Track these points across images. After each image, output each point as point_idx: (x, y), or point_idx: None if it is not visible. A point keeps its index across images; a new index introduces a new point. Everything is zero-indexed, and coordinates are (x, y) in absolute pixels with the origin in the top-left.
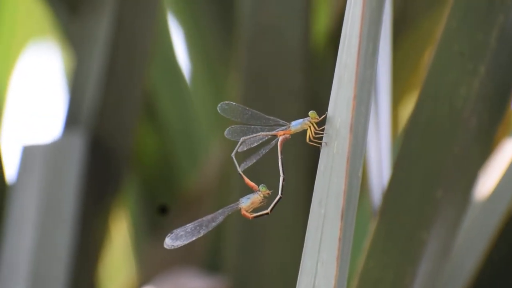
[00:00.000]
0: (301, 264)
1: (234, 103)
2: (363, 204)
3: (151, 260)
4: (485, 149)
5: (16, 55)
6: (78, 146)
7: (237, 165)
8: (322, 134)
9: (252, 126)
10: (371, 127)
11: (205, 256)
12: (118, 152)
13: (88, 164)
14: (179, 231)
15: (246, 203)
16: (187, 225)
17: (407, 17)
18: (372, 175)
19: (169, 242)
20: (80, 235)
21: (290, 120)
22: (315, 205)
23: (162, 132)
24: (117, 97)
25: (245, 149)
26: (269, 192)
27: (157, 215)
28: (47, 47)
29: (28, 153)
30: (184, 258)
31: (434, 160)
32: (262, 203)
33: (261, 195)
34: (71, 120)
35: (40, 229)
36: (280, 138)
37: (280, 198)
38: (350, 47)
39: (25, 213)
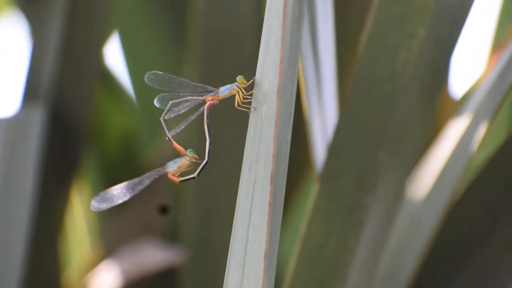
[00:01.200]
0: (233, 230)
1: (161, 73)
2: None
3: (112, 234)
4: (427, 114)
5: None
6: (37, 120)
7: (165, 130)
8: (251, 99)
9: (181, 94)
10: (315, 92)
11: (165, 228)
12: (76, 125)
13: (48, 138)
14: (105, 193)
15: (173, 168)
16: (113, 187)
17: None
18: (315, 140)
19: (95, 204)
20: (39, 209)
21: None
22: (245, 170)
23: (123, 107)
24: (75, 69)
25: (172, 116)
26: (196, 156)
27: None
28: (7, 20)
29: None
30: (144, 230)
31: (376, 124)
32: (190, 167)
33: (188, 159)
34: (30, 94)
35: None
36: (207, 104)
37: (207, 162)
38: (276, 10)
39: None
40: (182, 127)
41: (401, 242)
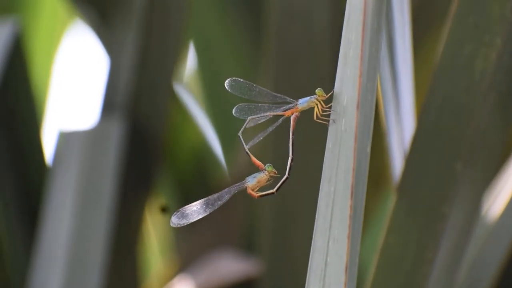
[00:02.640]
0: (312, 242)
1: (241, 80)
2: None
3: (187, 247)
4: (505, 123)
5: (59, 38)
6: (115, 132)
7: (244, 144)
8: (330, 111)
9: (260, 104)
10: (392, 103)
11: (240, 240)
12: (152, 138)
13: (125, 150)
14: (185, 210)
15: (252, 182)
16: (193, 203)
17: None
18: (392, 151)
19: (175, 220)
20: (117, 221)
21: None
22: (324, 183)
23: (196, 124)
24: (150, 83)
25: (252, 125)
26: (275, 171)
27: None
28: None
29: (67, 139)
30: (219, 243)
31: (453, 134)
32: (269, 182)
33: (267, 174)
34: (108, 107)
35: (78, 216)
36: (293, 116)
37: (287, 178)
38: (354, 23)
39: (63, 199)
40: (261, 137)
41: (479, 254)
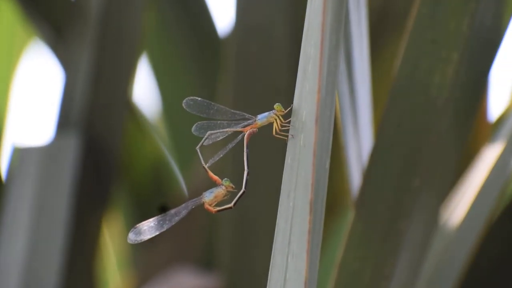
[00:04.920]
0: (271, 258)
1: (199, 99)
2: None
3: (146, 262)
4: (462, 138)
5: (18, 56)
6: (70, 147)
7: (201, 159)
8: (288, 126)
9: (219, 122)
10: (350, 117)
11: (199, 255)
12: (108, 153)
13: (81, 166)
14: (142, 226)
15: (209, 197)
16: (150, 219)
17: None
18: (350, 166)
19: (132, 237)
20: (73, 237)
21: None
22: (283, 198)
23: (150, 137)
24: (106, 98)
25: (210, 143)
26: (233, 186)
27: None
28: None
29: (22, 155)
30: (178, 257)
31: (410, 149)
32: (226, 197)
33: (224, 189)
34: (63, 123)
35: (34, 232)
36: (247, 132)
37: (244, 192)
38: (313, 38)
39: (18, 215)
40: (221, 155)
41: (437, 268)
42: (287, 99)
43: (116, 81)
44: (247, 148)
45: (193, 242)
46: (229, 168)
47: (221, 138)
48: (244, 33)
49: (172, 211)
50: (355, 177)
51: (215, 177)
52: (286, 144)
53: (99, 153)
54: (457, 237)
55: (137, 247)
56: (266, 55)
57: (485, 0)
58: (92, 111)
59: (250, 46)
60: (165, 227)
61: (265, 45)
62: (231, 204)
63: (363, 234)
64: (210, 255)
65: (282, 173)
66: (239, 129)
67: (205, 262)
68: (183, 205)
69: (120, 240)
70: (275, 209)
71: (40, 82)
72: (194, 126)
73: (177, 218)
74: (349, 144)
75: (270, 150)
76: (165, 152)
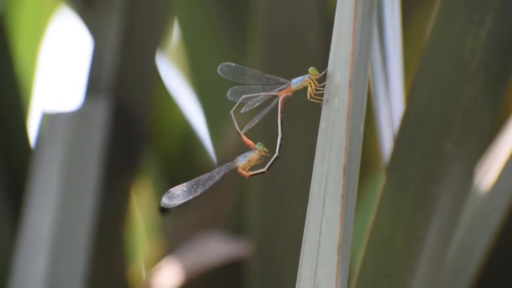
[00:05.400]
0: (306, 221)
1: (233, 64)
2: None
3: (175, 228)
4: (494, 102)
5: (45, 22)
6: (100, 113)
7: (235, 123)
8: (323, 90)
9: (253, 86)
10: (381, 81)
11: (228, 221)
12: (138, 119)
13: (110, 131)
14: (176, 190)
15: (243, 162)
16: (184, 184)
17: None
18: (382, 130)
19: (166, 201)
20: (102, 203)
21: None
22: (317, 162)
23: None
24: (135, 64)
25: (247, 110)
26: (266, 150)
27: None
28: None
29: (51, 120)
30: (207, 224)
31: (442, 113)
32: (259, 161)
33: (258, 153)
34: (92, 88)
35: (63, 198)
36: (281, 97)
37: (277, 156)
38: (347, 2)
39: (47, 182)
40: (257, 120)
41: (469, 232)
42: (318, 61)
43: (145, 48)
44: (281, 112)
45: (222, 208)
46: (262, 132)
47: (256, 105)
48: None
49: (206, 175)
50: (387, 142)
51: (249, 141)
52: (320, 108)
53: (128, 119)
54: (488, 201)
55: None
56: (296, 17)
57: None
58: (121, 77)
59: (280, 8)
60: (199, 192)
61: (296, 7)
62: (265, 169)
63: (395, 198)
64: (240, 221)
65: (317, 137)
66: (274, 93)
67: (235, 228)
68: (217, 169)
69: (149, 207)
70: (305, 175)
71: (69, 48)
72: (229, 91)
73: (210, 183)
74: (380, 108)
75: (305, 113)
76: (194, 118)
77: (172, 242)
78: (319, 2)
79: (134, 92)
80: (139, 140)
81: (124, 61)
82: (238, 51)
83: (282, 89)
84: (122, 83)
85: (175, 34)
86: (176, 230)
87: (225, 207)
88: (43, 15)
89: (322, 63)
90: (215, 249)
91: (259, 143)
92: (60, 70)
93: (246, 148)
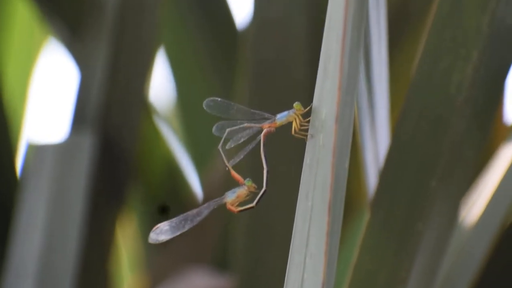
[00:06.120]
0: (289, 258)
1: (219, 99)
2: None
3: (159, 262)
4: (480, 138)
5: (35, 55)
6: (86, 145)
7: (224, 158)
8: (308, 126)
9: (239, 121)
10: (367, 116)
11: (213, 255)
12: (124, 152)
13: (96, 164)
14: (164, 225)
15: (232, 197)
16: (172, 219)
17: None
18: (367, 165)
19: (154, 236)
20: (88, 235)
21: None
22: (302, 198)
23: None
24: (121, 96)
25: (232, 146)
26: (255, 186)
27: (159, 215)
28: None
29: (38, 152)
30: (193, 258)
31: (428, 149)
32: (248, 197)
33: (247, 189)
34: (78, 120)
35: (48, 228)
36: (264, 131)
37: (265, 191)
38: (334, 35)
39: (33, 212)
40: (242, 156)
41: (453, 269)
42: (306, 94)
43: (132, 79)
44: (264, 146)
45: (207, 242)
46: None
47: (242, 141)
48: (262, 27)
49: (194, 211)
50: (372, 178)
51: (238, 177)
52: (305, 144)
53: (114, 151)
54: (473, 238)
55: (150, 248)
56: (284, 49)
57: None
58: (108, 109)
59: (268, 40)
60: (187, 227)
61: (284, 39)
62: (253, 204)
63: (379, 235)
64: (225, 256)
65: (301, 173)
66: (257, 125)
67: (220, 263)
68: (205, 204)
69: (133, 240)
70: (290, 210)
71: (57, 79)
72: (214, 126)
73: (199, 218)
74: (366, 143)
75: (289, 149)
76: (180, 152)
77: (156, 276)
78: (307, 34)
79: (121, 125)
80: (125, 173)
81: (111, 93)
82: (225, 83)
83: (266, 124)
84: (109, 115)
85: (162, 67)
86: (160, 264)
87: (211, 241)
88: (33, 47)
89: (310, 96)
90: (200, 283)
91: (248, 178)
92: (47, 102)
93: (232, 182)
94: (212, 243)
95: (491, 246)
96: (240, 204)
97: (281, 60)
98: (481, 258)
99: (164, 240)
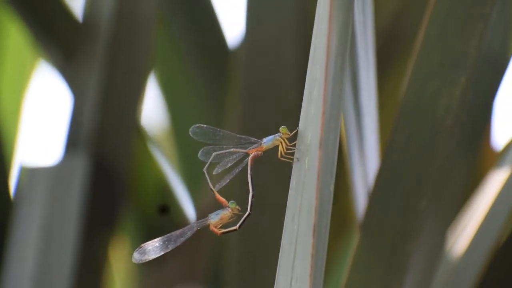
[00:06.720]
0: (275, 281)
1: (205, 126)
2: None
3: (152, 283)
4: (469, 162)
5: (28, 78)
6: (79, 168)
7: (208, 180)
8: (294, 149)
9: (225, 146)
10: (356, 140)
11: (206, 274)
12: (117, 174)
13: (89, 187)
14: (147, 245)
15: (215, 219)
16: (155, 239)
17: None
18: (356, 188)
19: (137, 256)
20: (81, 258)
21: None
22: (288, 220)
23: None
24: (114, 120)
25: (219, 171)
26: (239, 208)
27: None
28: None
29: (31, 175)
30: (186, 277)
31: (417, 171)
32: (231, 219)
33: (230, 211)
34: (71, 143)
35: (41, 251)
36: (251, 155)
37: (249, 214)
38: (318, 61)
39: (26, 234)
40: (228, 180)
41: None
42: (296, 116)
43: (125, 103)
44: (251, 170)
45: (200, 262)
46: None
47: (228, 165)
48: (252, 51)
49: (178, 231)
50: (361, 200)
51: (222, 199)
52: (291, 167)
53: (107, 174)
54: (463, 263)
55: (143, 270)
56: (274, 73)
57: (493, 23)
58: (100, 132)
59: (259, 63)
60: (170, 248)
61: (274, 63)
62: (236, 226)
63: (368, 256)
64: (216, 276)
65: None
66: (243, 151)
67: (212, 282)
68: (189, 226)
69: (126, 262)
70: (281, 231)
71: (50, 102)
72: (200, 151)
73: (182, 239)
74: (355, 167)
75: (276, 173)
76: (172, 174)
77: None
78: (298, 55)
79: (114, 148)
80: (118, 195)
81: (104, 116)
82: (217, 104)
83: (252, 148)
84: (102, 138)
85: (154, 90)
86: (153, 285)
87: (203, 260)
88: (25, 70)
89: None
90: None
91: (232, 201)
92: (40, 125)
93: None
94: (205, 263)
95: (481, 272)
96: (224, 226)
97: (271, 80)
98: (471, 283)
99: (147, 260)
